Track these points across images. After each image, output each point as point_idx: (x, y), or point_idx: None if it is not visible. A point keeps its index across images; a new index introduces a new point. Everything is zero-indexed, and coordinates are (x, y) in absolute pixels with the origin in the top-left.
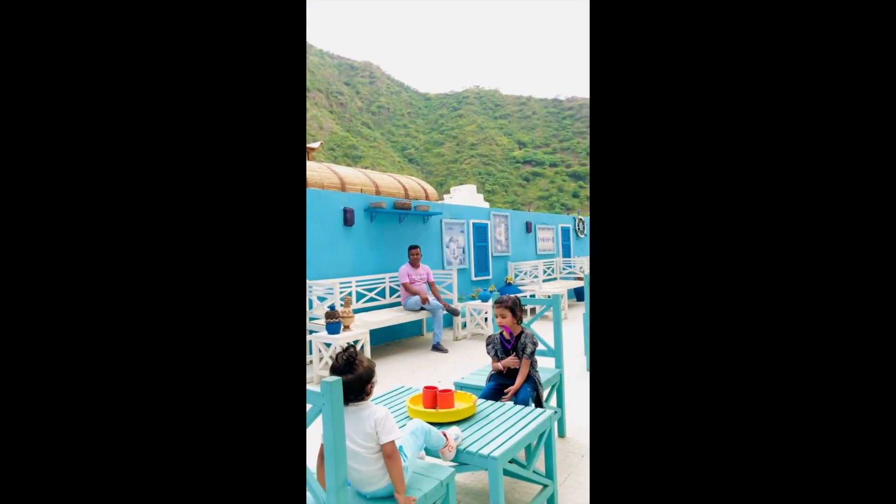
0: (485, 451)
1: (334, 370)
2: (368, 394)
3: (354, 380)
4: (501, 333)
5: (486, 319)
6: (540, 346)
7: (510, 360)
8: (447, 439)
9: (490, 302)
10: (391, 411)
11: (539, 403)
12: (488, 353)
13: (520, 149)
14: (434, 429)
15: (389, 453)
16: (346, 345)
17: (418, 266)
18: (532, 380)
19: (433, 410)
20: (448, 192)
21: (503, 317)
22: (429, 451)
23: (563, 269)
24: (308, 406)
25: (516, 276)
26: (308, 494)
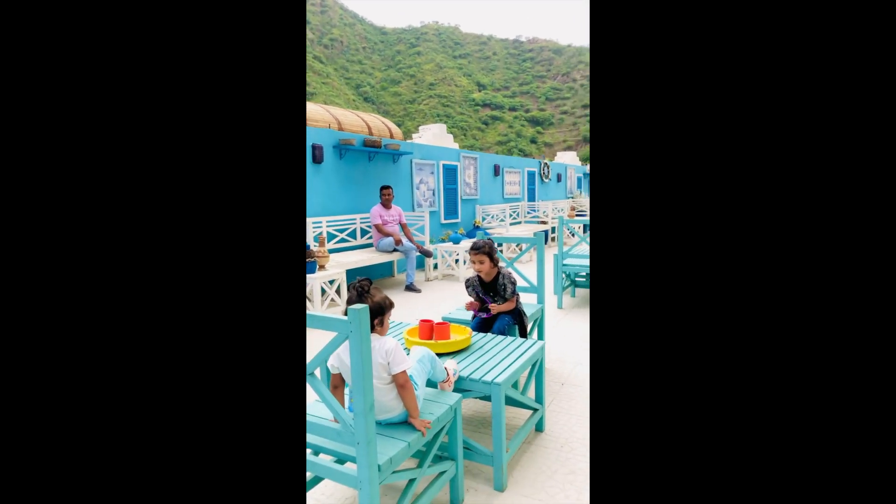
0: (488, 378)
1: (349, 302)
2: (374, 329)
3: None
4: (479, 275)
5: (456, 261)
6: (521, 283)
7: (493, 308)
8: (447, 373)
9: (462, 244)
10: None
11: (524, 334)
12: (469, 294)
13: (479, 91)
14: (438, 358)
15: (402, 383)
16: (357, 280)
17: (390, 207)
18: (517, 311)
19: (430, 342)
20: (416, 130)
21: (481, 262)
22: (430, 383)
23: (528, 213)
24: (334, 334)
25: (484, 219)
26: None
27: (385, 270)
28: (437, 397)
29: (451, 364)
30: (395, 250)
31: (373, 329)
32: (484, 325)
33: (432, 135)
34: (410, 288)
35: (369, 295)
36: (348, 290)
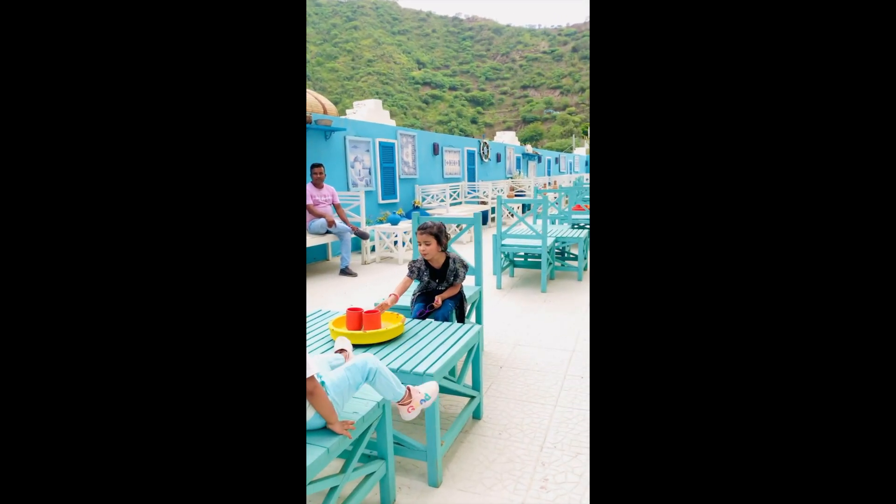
0: (420, 369)
1: None
2: None
3: None
4: (426, 260)
5: (395, 243)
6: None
7: (437, 303)
8: (410, 394)
9: (400, 225)
10: (311, 337)
11: (462, 318)
12: (409, 276)
13: (419, 69)
14: (388, 372)
15: (310, 391)
16: None
17: (322, 186)
18: (458, 295)
19: (359, 332)
20: (351, 107)
21: (427, 244)
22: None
23: (468, 193)
24: None
25: (423, 199)
26: None
27: (318, 254)
28: (362, 393)
29: (427, 387)
30: (327, 232)
31: None
32: (424, 315)
33: (368, 111)
34: (346, 272)
35: None
36: None
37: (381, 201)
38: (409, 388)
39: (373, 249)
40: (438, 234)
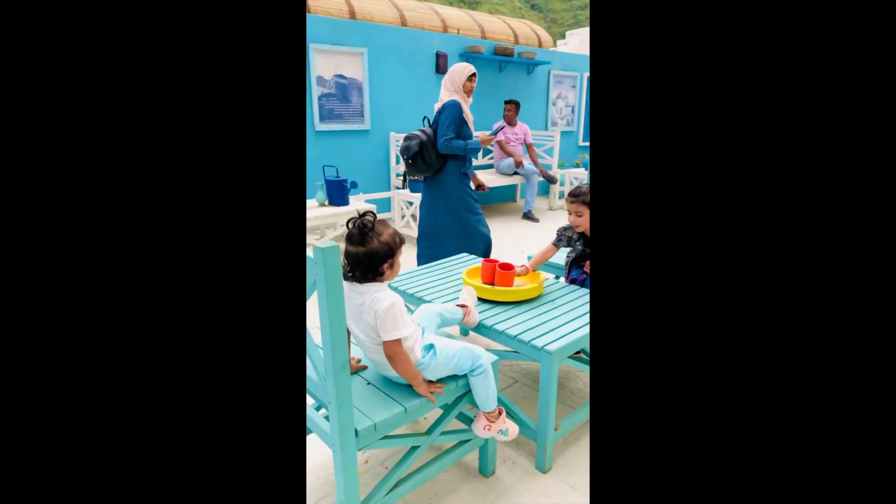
0: (539, 343)
1: (349, 241)
2: (383, 274)
3: (365, 255)
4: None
5: None
6: None
7: (588, 268)
8: (498, 414)
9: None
10: (448, 280)
11: None
12: (555, 244)
13: None
14: (493, 382)
15: (390, 354)
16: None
17: (515, 124)
18: None
19: (490, 287)
20: (563, 38)
21: (578, 215)
22: (445, 323)
23: None
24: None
25: None
26: (311, 372)
27: (505, 194)
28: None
29: (511, 425)
30: (515, 173)
31: (373, 277)
32: (580, 280)
33: (580, 41)
34: (528, 216)
35: (375, 233)
36: (347, 225)
37: (582, 143)
38: (500, 409)
39: (561, 196)
40: None
